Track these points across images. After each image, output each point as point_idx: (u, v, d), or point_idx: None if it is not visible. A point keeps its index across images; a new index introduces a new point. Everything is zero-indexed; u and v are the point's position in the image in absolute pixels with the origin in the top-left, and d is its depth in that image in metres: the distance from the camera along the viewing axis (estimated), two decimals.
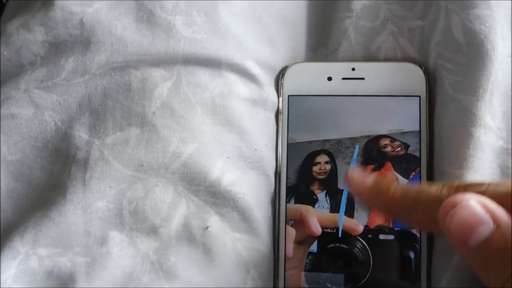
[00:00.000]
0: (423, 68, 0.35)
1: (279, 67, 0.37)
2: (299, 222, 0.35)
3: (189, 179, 0.33)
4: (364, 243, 0.34)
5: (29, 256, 0.31)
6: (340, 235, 0.34)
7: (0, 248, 0.32)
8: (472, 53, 0.33)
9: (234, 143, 0.34)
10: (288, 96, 0.36)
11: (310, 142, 0.36)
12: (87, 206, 0.32)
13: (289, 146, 0.36)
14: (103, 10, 0.35)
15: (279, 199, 0.35)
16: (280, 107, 0.36)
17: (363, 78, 0.36)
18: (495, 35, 0.33)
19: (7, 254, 0.31)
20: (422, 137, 0.35)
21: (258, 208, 0.34)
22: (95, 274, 0.31)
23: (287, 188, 0.35)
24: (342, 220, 0.34)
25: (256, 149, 0.35)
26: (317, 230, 0.34)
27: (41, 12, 0.35)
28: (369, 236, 0.34)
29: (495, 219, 0.22)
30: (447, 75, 0.35)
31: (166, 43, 0.34)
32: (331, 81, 0.36)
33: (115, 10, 0.35)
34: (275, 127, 0.36)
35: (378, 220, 0.34)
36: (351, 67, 0.36)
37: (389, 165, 0.35)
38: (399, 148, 0.35)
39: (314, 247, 0.34)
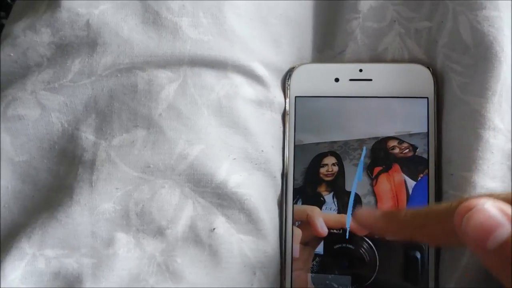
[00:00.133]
0: (431, 69, 0.35)
1: (285, 69, 0.37)
2: (305, 223, 0.35)
3: (195, 181, 0.33)
4: (371, 243, 0.34)
5: (36, 257, 0.31)
6: (347, 237, 0.34)
7: (6, 248, 0.32)
8: (480, 55, 0.33)
9: (240, 144, 0.34)
10: (295, 97, 0.36)
11: (317, 143, 0.36)
12: (94, 207, 0.32)
13: (296, 147, 0.36)
14: (109, 11, 0.35)
15: (286, 200, 0.35)
16: (287, 108, 0.36)
17: (370, 80, 0.36)
18: (503, 36, 0.33)
19: (14, 255, 0.31)
20: (430, 139, 0.34)
21: (265, 210, 0.34)
22: (102, 275, 0.31)
23: (294, 190, 0.35)
24: (349, 221, 0.34)
25: (262, 151, 0.35)
26: (323, 230, 0.34)
27: (47, 13, 0.35)
28: (376, 236, 0.34)
29: None
30: (455, 77, 0.34)
31: (172, 44, 0.34)
32: (338, 82, 0.36)
33: (121, 11, 0.35)
34: (281, 129, 0.36)
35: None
36: (359, 68, 0.36)
37: (397, 167, 0.35)
38: (407, 150, 0.35)
39: (320, 248, 0.34)
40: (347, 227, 0.34)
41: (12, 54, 0.35)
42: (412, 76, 0.36)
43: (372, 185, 0.35)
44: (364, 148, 0.35)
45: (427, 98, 0.35)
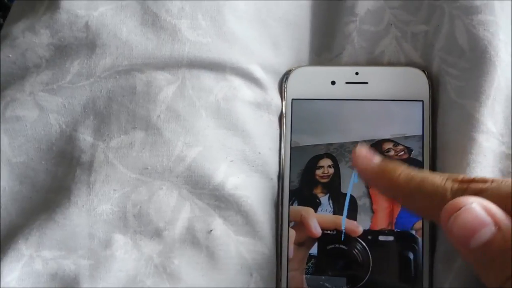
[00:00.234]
0: (426, 73, 0.36)
1: (283, 71, 0.37)
2: (299, 224, 0.35)
3: (193, 183, 0.33)
4: (364, 244, 0.34)
5: (33, 258, 0.31)
6: (343, 238, 0.34)
7: (3, 250, 0.32)
8: (475, 59, 0.34)
9: (238, 146, 0.34)
10: (292, 99, 0.36)
11: (314, 145, 0.36)
12: (92, 209, 0.32)
13: (293, 149, 0.36)
14: (108, 13, 0.35)
15: (282, 202, 0.35)
16: (284, 110, 0.36)
17: (366, 83, 0.36)
18: (498, 41, 0.33)
19: (11, 256, 0.31)
20: (425, 142, 0.35)
21: (262, 212, 0.34)
22: (99, 276, 0.31)
23: (290, 191, 0.35)
24: (345, 223, 0.35)
25: (260, 153, 0.35)
26: (317, 231, 0.34)
27: (46, 15, 0.35)
28: (369, 237, 0.34)
29: (496, 222, 0.23)
30: (450, 80, 0.35)
31: (171, 46, 0.34)
32: (335, 85, 0.36)
33: (121, 13, 0.35)
34: (278, 131, 0.36)
35: (381, 224, 0.34)
36: (355, 71, 0.36)
37: None
38: (402, 153, 0.35)
39: (314, 249, 0.35)
40: (343, 228, 0.34)
41: (10, 55, 0.35)
42: (408, 79, 0.36)
43: (367, 187, 0.35)
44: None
45: (423, 101, 0.35)
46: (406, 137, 0.35)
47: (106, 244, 0.32)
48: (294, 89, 0.37)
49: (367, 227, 0.34)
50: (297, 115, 0.36)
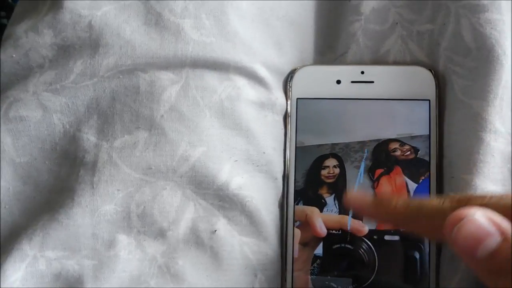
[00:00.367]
0: (433, 72, 0.35)
1: (287, 70, 0.37)
2: (304, 224, 0.35)
3: (197, 183, 0.33)
4: (370, 244, 0.34)
5: (37, 258, 0.31)
6: (349, 238, 0.34)
7: (7, 250, 0.32)
8: (482, 58, 0.33)
9: (242, 146, 0.34)
10: (297, 99, 0.36)
11: (319, 145, 0.36)
12: (95, 209, 0.32)
13: (298, 149, 0.36)
14: (111, 13, 0.35)
15: (287, 202, 0.35)
16: (289, 110, 0.36)
17: (372, 82, 0.36)
18: (505, 39, 0.33)
19: (15, 256, 0.31)
20: (431, 142, 0.34)
21: (266, 212, 0.34)
22: (103, 277, 0.31)
23: (295, 191, 0.35)
24: (350, 223, 0.34)
25: (264, 153, 0.35)
26: (322, 231, 0.34)
27: (49, 15, 0.35)
28: (375, 237, 0.34)
29: (501, 232, 0.23)
30: (456, 80, 0.34)
31: (175, 46, 0.34)
32: (340, 84, 0.36)
33: (124, 13, 0.35)
34: (283, 130, 0.36)
35: (387, 225, 0.34)
36: (360, 70, 0.36)
37: (398, 169, 0.35)
38: (408, 152, 0.35)
39: (319, 249, 0.34)
40: (348, 228, 0.34)
41: (14, 55, 0.35)
42: (414, 78, 0.35)
43: (373, 187, 0.35)
44: (366, 150, 0.35)
45: (429, 100, 0.35)
46: (413, 137, 0.35)
47: (109, 244, 0.32)
48: (299, 88, 0.36)
49: (373, 227, 0.34)
50: (302, 114, 0.36)
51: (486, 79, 0.33)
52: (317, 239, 0.34)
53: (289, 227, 0.35)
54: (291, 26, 0.37)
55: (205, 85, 0.34)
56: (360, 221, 0.34)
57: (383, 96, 0.35)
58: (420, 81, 0.35)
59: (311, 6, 0.39)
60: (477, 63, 0.34)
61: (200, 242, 0.33)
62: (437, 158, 0.34)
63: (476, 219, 0.23)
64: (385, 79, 0.36)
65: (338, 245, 0.34)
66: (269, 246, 0.34)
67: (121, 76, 0.34)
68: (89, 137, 0.34)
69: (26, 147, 0.34)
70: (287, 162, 0.36)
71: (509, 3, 0.34)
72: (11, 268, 0.31)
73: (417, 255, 0.33)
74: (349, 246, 0.34)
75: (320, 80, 0.36)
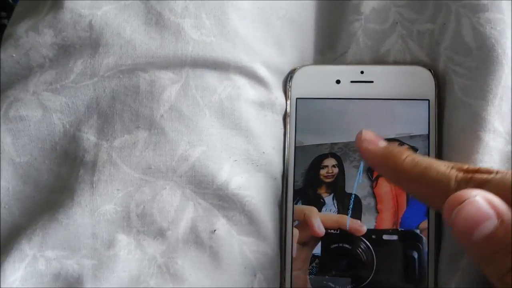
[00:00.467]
0: (432, 71, 0.35)
1: (287, 70, 0.37)
2: (302, 223, 0.35)
3: (196, 182, 0.33)
4: (368, 243, 0.34)
5: (36, 258, 0.31)
6: (347, 237, 0.34)
7: (7, 250, 0.32)
8: (482, 57, 0.33)
9: (242, 146, 0.34)
10: (296, 99, 0.36)
11: (318, 145, 0.36)
12: (95, 208, 0.32)
13: (297, 149, 0.36)
14: (112, 12, 0.35)
15: (286, 202, 0.35)
16: (288, 110, 0.36)
17: (372, 81, 0.36)
18: (506, 39, 0.33)
19: (15, 256, 0.31)
20: (431, 141, 0.34)
21: (265, 212, 0.34)
22: (102, 277, 0.31)
23: (294, 191, 0.35)
24: (349, 223, 0.34)
25: (263, 152, 0.35)
26: (320, 230, 0.34)
27: (50, 14, 0.35)
28: (373, 236, 0.34)
29: (499, 214, 0.23)
30: (456, 79, 0.34)
31: (175, 45, 0.34)
32: (340, 84, 0.36)
33: (124, 12, 0.35)
34: (282, 130, 0.36)
35: (386, 224, 0.34)
36: (360, 70, 0.36)
37: None
38: None
39: (318, 249, 0.34)
40: (347, 228, 0.34)
41: (14, 55, 0.35)
42: (414, 78, 0.35)
43: (372, 187, 0.35)
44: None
45: (428, 100, 0.35)
46: (412, 137, 0.35)
47: (109, 244, 0.32)
48: (299, 88, 0.36)
49: (371, 227, 0.34)
50: (302, 114, 0.36)
51: (486, 78, 0.33)
52: (315, 239, 0.34)
53: (288, 227, 0.35)
54: (291, 26, 0.37)
55: (205, 85, 0.34)
56: (359, 221, 0.34)
57: (383, 96, 0.35)
58: (419, 81, 0.35)
59: (311, 5, 0.38)
60: (477, 63, 0.34)
61: (200, 241, 0.33)
62: (436, 157, 0.34)
63: (476, 200, 0.23)
64: (385, 79, 0.36)
65: (336, 245, 0.34)
66: (268, 246, 0.34)
67: (121, 76, 0.34)
68: (89, 136, 0.34)
69: (26, 146, 0.34)
70: (286, 162, 0.36)
71: (509, 3, 0.34)
72: (10, 268, 0.31)
73: (415, 255, 0.34)
74: (347, 246, 0.34)
75: (319, 80, 0.36)
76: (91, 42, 0.34)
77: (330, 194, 0.35)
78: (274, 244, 0.34)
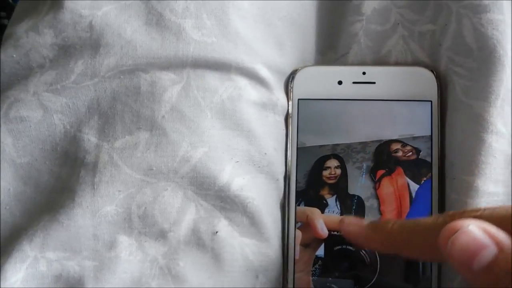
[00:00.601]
0: (434, 72, 0.35)
1: (288, 71, 0.37)
2: (305, 225, 0.35)
3: (198, 184, 0.33)
4: None
5: (37, 259, 0.31)
6: None
7: (8, 251, 0.31)
8: (484, 58, 0.33)
9: (243, 147, 0.34)
10: (298, 99, 0.36)
11: (320, 146, 0.35)
12: (96, 210, 0.32)
13: (299, 150, 0.36)
14: (112, 13, 0.35)
15: (289, 203, 0.35)
16: (290, 110, 0.36)
17: (374, 82, 0.36)
18: (507, 40, 0.33)
19: (16, 257, 0.31)
20: (433, 143, 0.34)
21: (267, 213, 0.34)
22: (104, 278, 0.31)
23: (297, 192, 0.35)
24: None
25: (265, 153, 0.34)
26: (323, 232, 0.34)
27: (50, 14, 0.35)
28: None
29: (497, 243, 0.22)
30: (458, 80, 0.34)
31: (176, 46, 0.34)
32: (342, 85, 0.36)
33: (125, 13, 0.35)
34: (284, 131, 0.36)
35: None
36: (362, 71, 0.36)
37: (400, 170, 0.34)
38: (410, 153, 0.35)
39: (321, 251, 0.34)
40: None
41: (14, 55, 0.35)
42: (416, 79, 0.35)
43: (375, 188, 0.35)
44: (368, 151, 0.35)
45: (431, 101, 0.35)
46: (415, 138, 0.35)
47: (110, 246, 0.32)
48: (301, 89, 0.36)
49: None
50: (304, 115, 0.36)
51: (488, 79, 0.33)
52: (318, 240, 0.34)
53: (290, 228, 0.35)
54: (292, 26, 0.37)
55: (206, 86, 0.34)
56: None
57: (385, 97, 0.35)
58: (421, 82, 0.35)
59: (312, 6, 0.38)
60: (479, 64, 0.34)
61: (201, 243, 0.32)
62: (439, 159, 0.34)
63: (470, 230, 0.23)
64: (387, 79, 0.36)
65: (339, 247, 0.34)
66: (270, 247, 0.34)
67: (122, 76, 0.34)
68: (89, 137, 0.33)
69: (27, 147, 0.34)
70: (289, 163, 0.36)
71: (510, 3, 0.34)
72: (11, 269, 0.30)
73: None
74: (350, 248, 0.34)
75: (321, 81, 0.36)
76: (92, 42, 0.34)
77: (332, 195, 0.35)
78: (276, 245, 0.34)
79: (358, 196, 0.34)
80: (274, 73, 0.36)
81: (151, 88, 0.34)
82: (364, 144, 0.35)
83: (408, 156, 0.35)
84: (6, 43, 0.35)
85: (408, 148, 0.35)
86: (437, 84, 0.35)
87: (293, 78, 0.36)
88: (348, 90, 0.36)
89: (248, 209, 0.33)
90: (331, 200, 0.35)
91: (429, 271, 0.33)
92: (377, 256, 0.34)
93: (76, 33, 0.34)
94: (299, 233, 0.35)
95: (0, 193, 0.33)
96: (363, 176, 0.35)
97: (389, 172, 0.35)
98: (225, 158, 0.33)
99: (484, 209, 0.25)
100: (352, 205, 0.34)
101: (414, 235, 0.26)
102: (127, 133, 0.33)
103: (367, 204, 0.34)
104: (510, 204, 0.32)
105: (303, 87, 0.36)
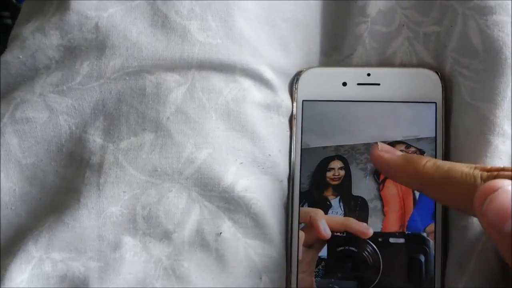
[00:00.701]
0: (439, 74, 0.35)
1: (293, 72, 0.37)
2: (309, 226, 0.35)
3: (202, 185, 0.33)
4: (375, 246, 0.34)
5: (43, 260, 0.31)
6: (352, 240, 0.34)
7: (13, 251, 0.32)
8: (490, 60, 0.33)
9: (247, 148, 0.34)
10: (302, 101, 0.36)
11: (324, 147, 0.35)
12: (101, 211, 0.32)
13: (303, 151, 0.36)
14: (118, 14, 0.35)
15: (292, 204, 0.35)
16: (294, 112, 0.36)
17: (378, 84, 0.36)
18: None
19: (21, 258, 0.31)
20: (438, 144, 0.34)
21: (271, 214, 0.34)
22: (108, 279, 0.31)
23: (301, 193, 0.35)
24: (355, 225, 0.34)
25: (269, 155, 0.35)
26: (326, 233, 0.34)
27: (56, 16, 0.35)
28: (380, 239, 0.34)
29: None
30: (463, 82, 0.34)
31: (181, 48, 0.34)
32: (346, 86, 0.36)
33: (130, 14, 0.35)
34: (288, 132, 0.36)
35: (392, 227, 0.34)
36: (366, 73, 0.36)
37: None
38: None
39: (324, 252, 0.34)
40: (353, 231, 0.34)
41: (20, 56, 0.35)
42: (421, 80, 0.35)
43: (378, 190, 0.35)
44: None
45: (435, 103, 0.35)
46: (419, 139, 0.35)
47: (115, 246, 0.32)
48: (305, 90, 0.36)
49: (378, 230, 0.34)
50: (308, 116, 0.36)
51: (494, 81, 0.33)
52: (321, 241, 0.34)
53: (294, 229, 0.35)
54: (297, 28, 0.37)
55: (211, 87, 0.34)
56: (365, 224, 0.34)
57: (389, 98, 0.35)
58: (426, 83, 0.35)
59: (317, 7, 0.38)
60: (485, 65, 0.33)
61: (206, 244, 0.33)
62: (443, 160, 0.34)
63: (509, 190, 0.23)
64: (392, 81, 0.36)
65: (342, 248, 0.34)
66: (274, 248, 0.34)
67: (127, 78, 0.34)
68: (95, 138, 0.34)
69: (33, 148, 0.34)
70: (293, 164, 0.36)
71: None
72: (17, 269, 0.31)
73: (422, 258, 0.33)
74: (353, 249, 0.34)
75: (326, 82, 0.36)
76: (97, 44, 0.34)
77: (336, 196, 0.35)
78: (280, 246, 0.34)
79: (362, 198, 0.35)
80: (278, 75, 0.36)
81: (156, 90, 0.34)
82: (368, 146, 0.35)
83: None
84: (13, 44, 0.36)
85: (412, 149, 0.35)
86: (442, 86, 0.35)
87: (297, 79, 0.36)
88: (353, 92, 0.36)
89: (252, 210, 0.33)
90: (335, 201, 0.35)
91: (432, 274, 0.33)
92: (380, 257, 0.34)
93: (82, 35, 0.35)
94: (302, 234, 0.35)
95: (2, 193, 0.33)
96: (367, 177, 0.35)
97: None
98: (229, 160, 0.34)
99: None
100: (355, 206, 0.34)
101: (446, 180, 0.26)
102: (132, 134, 0.33)
103: (370, 205, 0.34)
104: None
105: (308, 88, 0.36)
